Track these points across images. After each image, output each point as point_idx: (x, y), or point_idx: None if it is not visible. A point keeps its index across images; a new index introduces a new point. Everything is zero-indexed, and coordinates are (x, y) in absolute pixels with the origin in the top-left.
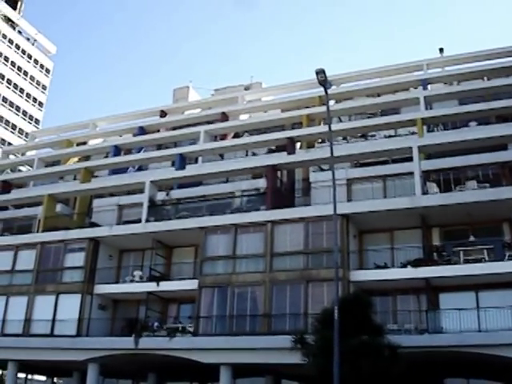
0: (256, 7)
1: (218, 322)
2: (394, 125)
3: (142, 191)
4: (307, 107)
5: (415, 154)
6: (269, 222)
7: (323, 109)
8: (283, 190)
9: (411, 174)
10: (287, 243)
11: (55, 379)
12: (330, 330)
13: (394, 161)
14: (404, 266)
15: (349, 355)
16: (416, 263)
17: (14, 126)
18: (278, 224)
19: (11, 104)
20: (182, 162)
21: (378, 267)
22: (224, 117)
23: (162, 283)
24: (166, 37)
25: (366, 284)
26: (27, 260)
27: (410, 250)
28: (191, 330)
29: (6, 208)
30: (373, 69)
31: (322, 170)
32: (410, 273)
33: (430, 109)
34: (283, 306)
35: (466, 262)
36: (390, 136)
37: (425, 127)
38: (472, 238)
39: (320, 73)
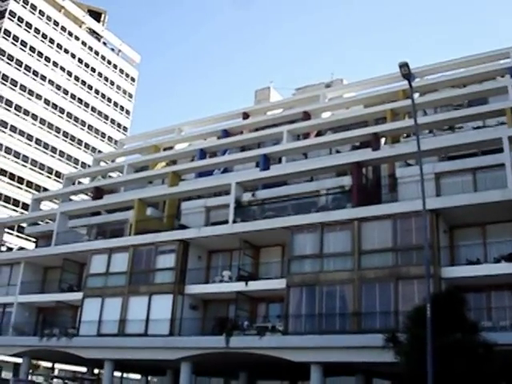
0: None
1: (307, 320)
2: (482, 115)
3: (228, 193)
4: (391, 102)
5: (505, 144)
6: (355, 219)
7: (407, 102)
8: (369, 186)
9: (502, 165)
10: (375, 240)
11: (149, 378)
12: (422, 328)
13: (484, 152)
14: (497, 260)
15: (442, 354)
16: (510, 258)
17: (103, 135)
18: (365, 221)
19: (100, 113)
20: (266, 162)
21: (470, 263)
22: (306, 115)
23: (250, 283)
24: (241, 38)
25: (459, 280)
26: (121, 262)
27: (503, 244)
28: (281, 328)
29: (98, 213)
30: (456, 59)
31: (409, 164)
32: (504, 268)
33: None
34: (373, 304)
35: None
36: (478, 127)
37: None
38: None
39: (403, 66)
